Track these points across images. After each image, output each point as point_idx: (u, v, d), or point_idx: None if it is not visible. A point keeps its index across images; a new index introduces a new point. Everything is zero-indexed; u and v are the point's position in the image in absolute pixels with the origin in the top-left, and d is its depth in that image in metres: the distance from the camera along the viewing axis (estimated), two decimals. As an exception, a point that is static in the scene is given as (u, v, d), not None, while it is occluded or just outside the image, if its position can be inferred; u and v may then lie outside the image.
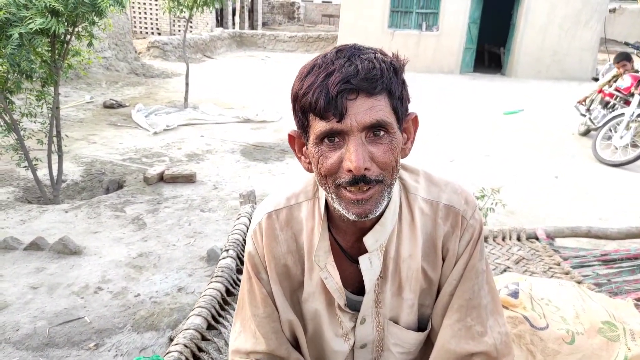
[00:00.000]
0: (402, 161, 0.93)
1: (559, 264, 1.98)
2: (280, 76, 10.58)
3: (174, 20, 15.86)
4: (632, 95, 5.60)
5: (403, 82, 0.83)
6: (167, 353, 1.24)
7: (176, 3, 6.77)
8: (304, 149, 0.89)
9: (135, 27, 16.08)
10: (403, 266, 0.95)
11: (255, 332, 0.98)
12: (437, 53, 12.58)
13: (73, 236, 3.16)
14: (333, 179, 0.81)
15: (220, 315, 1.49)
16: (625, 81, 5.84)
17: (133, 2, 15.96)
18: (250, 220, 1.95)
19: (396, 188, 0.93)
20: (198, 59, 12.94)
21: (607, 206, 4.23)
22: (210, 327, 1.43)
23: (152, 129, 6.01)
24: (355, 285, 0.98)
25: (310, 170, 0.90)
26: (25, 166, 3.74)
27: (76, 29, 3.67)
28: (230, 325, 1.44)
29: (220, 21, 18.48)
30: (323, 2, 26.25)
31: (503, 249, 2.12)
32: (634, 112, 5.35)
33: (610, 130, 5.66)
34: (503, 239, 2.20)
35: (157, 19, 16.28)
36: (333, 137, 0.80)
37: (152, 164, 4.83)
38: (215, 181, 4.47)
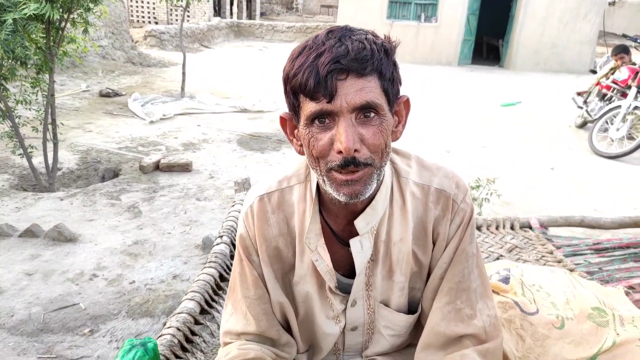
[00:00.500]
0: (394, 145, 0.93)
1: (551, 253, 1.99)
2: (278, 66, 10.41)
3: (171, 9, 15.74)
4: (629, 87, 5.60)
5: (394, 64, 0.82)
6: (159, 336, 1.24)
7: (173, -9, 6.72)
8: (296, 131, 0.89)
9: (132, 15, 15.95)
10: (394, 249, 0.96)
11: (246, 314, 0.99)
12: (436, 44, 12.52)
13: (68, 224, 3.16)
14: (325, 162, 0.82)
15: (213, 300, 1.49)
16: (623, 73, 5.84)
17: (130, -9, 15.82)
18: (244, 207, 1.95)
19: (388, 172, 0.93)
20: (195, 48, 12.85)
21: (603, 198, 4.25)
22: (203, 311, 1.44)
23: (149, 118, 5.98)
24: (346, 268, 0.98)
25: (302, 152, 0.90)
26: (20, 154, 3.73)
27: (71, 16, 3.64)
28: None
29: (218, 10, 18.34)
30: (322, -8, 26.05)
31: (496, 238, 2.13)
32: (630, 105, 5.36)
33: (607, 122, 5.68)
34: (497, 228, 2.20)
35: (154, 8, 16.14)
36: (323, 118, 0.80)
37: (148, 152, 4.82)
38: (211, 170, 4.46)
